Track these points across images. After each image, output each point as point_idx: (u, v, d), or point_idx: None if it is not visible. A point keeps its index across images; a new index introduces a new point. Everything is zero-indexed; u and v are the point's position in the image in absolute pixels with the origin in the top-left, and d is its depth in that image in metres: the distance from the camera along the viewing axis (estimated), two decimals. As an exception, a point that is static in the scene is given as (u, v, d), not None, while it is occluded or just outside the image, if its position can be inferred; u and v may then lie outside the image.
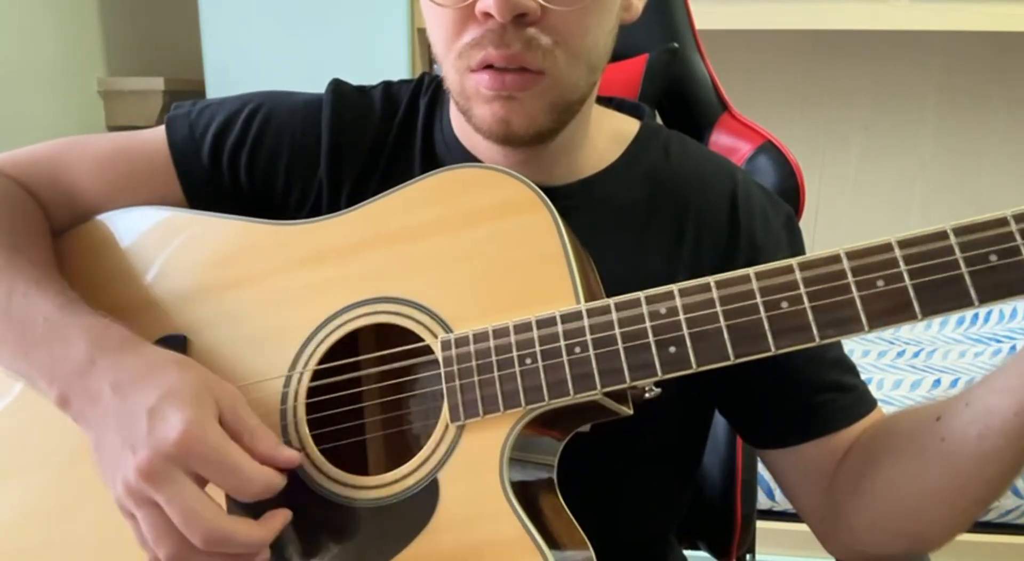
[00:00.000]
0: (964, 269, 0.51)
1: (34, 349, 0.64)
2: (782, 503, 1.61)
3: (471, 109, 0.67)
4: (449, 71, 0.68)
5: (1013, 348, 1.92)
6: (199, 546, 0.55)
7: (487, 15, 0.62)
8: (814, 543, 0.74)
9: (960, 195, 2.41)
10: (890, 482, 0.66)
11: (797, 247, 0.77)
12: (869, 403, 0.73)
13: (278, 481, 0.59)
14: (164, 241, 0.74)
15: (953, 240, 0.51)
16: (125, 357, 0.61)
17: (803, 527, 0.76)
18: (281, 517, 0.60)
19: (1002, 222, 0.51)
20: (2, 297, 0.66)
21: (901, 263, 0.52)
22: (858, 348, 2.11)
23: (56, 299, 0.66)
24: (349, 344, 0.67)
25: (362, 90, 0.81)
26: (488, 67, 0.64)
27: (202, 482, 0.57)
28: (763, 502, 1.62)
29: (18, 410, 0.73)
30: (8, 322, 0.66)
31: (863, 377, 0.75)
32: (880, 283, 0.52)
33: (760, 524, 1.06)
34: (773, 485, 1.62)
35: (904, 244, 0.52)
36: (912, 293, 0.52)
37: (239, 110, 0.79)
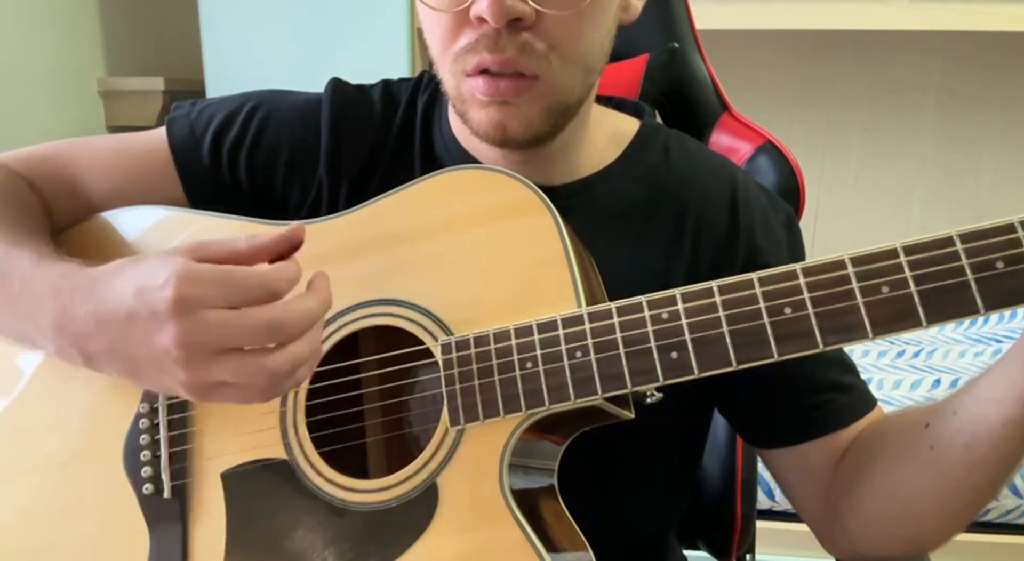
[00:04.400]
0: (970, 276, 0.50)
1: (19, 309, 0.63)
2: (782, 503, 1.61)
3: (468, 113, 0.68)
4: (445, 75, 0.68)
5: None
6: (291, 337, 0.54)
7: (481, 20, 0.62)
8: (814, 543, 0.74)
9: (960, 195, 2.41)
10: (882, 486, 0.66)
11: (797, 247, 0.77)
12: (869, 402, 0.73)
13: (294, 270, 0.56)
14: (163, 241, 0.73)
15: (959, 246, 0.51)
16: (91, 286, 0.59)
17: (803, 527, 0.76)
18: (321, 277, 0.58)
19: (1009, 228, 0.50)
20: None
21: (906, 269, 0.52)
22: (858, 348, 2.11)
23: (30, 255, 0.64)
24: (349, 346, 0.66)
25: (361, 89, 0.81)
26: (483, 72, 0.64)
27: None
28: (763, 502, 1.61)
29: (17, 411, 0.72)
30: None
31: (863, 377, 0.75)
32: (885, 289, 0.52)
33: (760, 524, 1.06)
34: (773, 485, 1.62)
35: (910, 250, 0.52)
36: (917, 300, 0.52)
37: (239, 109, 0.79)
